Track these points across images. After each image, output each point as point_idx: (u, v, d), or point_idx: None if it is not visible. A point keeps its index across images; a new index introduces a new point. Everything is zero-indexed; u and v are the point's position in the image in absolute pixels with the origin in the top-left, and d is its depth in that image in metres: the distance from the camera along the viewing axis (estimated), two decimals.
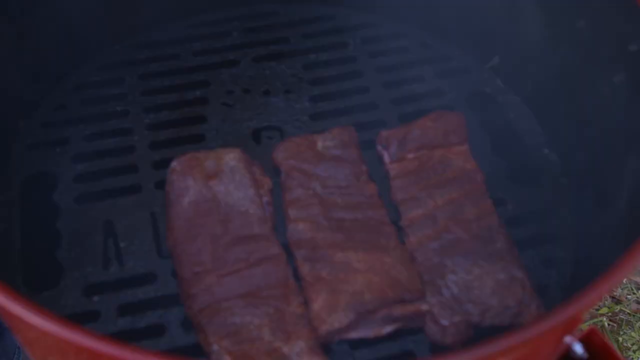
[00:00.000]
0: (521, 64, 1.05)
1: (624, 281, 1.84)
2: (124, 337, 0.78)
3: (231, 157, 0.91)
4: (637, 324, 1.81)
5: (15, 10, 0.95)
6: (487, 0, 1.07)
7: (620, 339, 1.74)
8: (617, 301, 1.88)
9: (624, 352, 1.70)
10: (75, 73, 1.06)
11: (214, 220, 0.85)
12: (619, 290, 1.86)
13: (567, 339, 0.73)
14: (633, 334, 1.79)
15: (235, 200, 0.87)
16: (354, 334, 0.79)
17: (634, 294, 1.89)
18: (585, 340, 0.76)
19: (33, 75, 0.99)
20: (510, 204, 0.92)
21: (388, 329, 0.80)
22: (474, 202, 0.89)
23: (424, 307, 0.80)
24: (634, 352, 1.71)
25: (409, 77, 1.08)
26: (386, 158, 0.94)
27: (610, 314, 1.85)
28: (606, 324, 1.77)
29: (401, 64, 1.09)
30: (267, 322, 0.78)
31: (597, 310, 1.79)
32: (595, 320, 1.76)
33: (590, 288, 0.61)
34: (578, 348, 0.76)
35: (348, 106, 1.03)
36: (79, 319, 0.79)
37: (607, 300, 1.83)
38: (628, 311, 1.85)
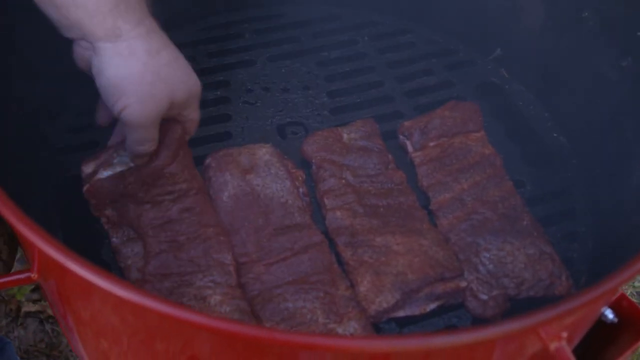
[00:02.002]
0: (524, 55, 1.11)
1: None
2: None
3: (264, 152, 0.94)
4: None
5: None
6: None
7: None
8: None
9: None
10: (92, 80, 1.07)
11: (255, 212, 0.88)
12: None
13: None
14: None
15: (273, 192, 0.90)
16: (401, 313, 0.83)
17: None
18: (615, 306, 0.82)
19: (55, 82, 1.00)
20: (528, 185, 0.98)
21: (432, 306, 0.84)
22: (496, 184, 0.95)
23: (463, 283, 0.85)
24: None
25: (418, 71, 1.13)
26: (409, 147, 0.99)
27: None
28: None
29: (410, 59, 1.14)
30: (319, 305, 0.81)
31: None
32: None
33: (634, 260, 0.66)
34: (609, 313, 0.81)
35: (365, 100, 1.07)
36: None
37: None
38: None
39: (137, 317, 0.65)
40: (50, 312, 1.91)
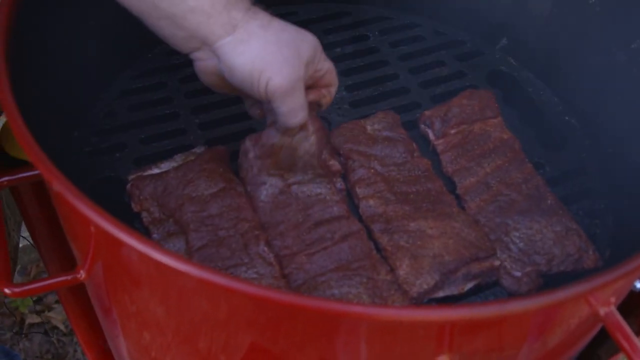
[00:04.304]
0: (530, 42, 1.15)
1: None
2: None
3: None
4: None
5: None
6: None
7: None
8: None
9: None
10: (114, 83, 1.08)
11: (294, 208, 0.90)
12: None
13: None
14: None
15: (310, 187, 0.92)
16: (441, 293, 0.86)
17: None
18: None
19: (80, 86, 1.01)
20: (547, 167, 1.02)
21: (469, 285, 0.87)
22: (517, 167, 0.98)
23: (497, 262, 0.88)
24: None
25: (430, 62, 1.16)
26: (431, 135, 1.02)
27: None
28: None
29: (421, 51, 1.18)
30: (363, 290, 0.84)
31: None
32: None
33: None
34: (636, 282, 0.85)
35: (383, 92, 1.10)
36: None
37: None
38: None
39: (188, 302, 0.66)
40: (54, 322, 1.91)
